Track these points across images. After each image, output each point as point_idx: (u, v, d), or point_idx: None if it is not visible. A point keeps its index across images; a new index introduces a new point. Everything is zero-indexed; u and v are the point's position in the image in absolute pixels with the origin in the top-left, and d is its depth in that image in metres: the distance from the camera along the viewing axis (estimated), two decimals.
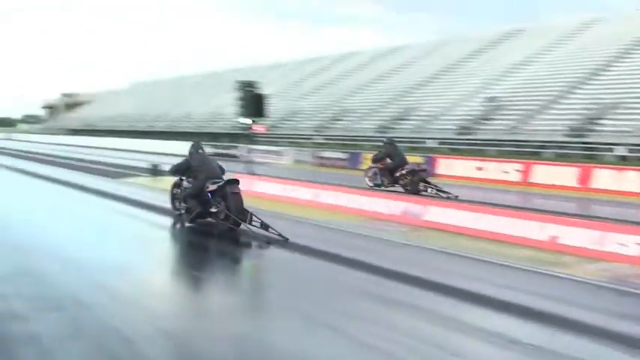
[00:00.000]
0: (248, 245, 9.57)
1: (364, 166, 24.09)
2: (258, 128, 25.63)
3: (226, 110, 52.03)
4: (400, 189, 16.18)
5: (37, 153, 33.55)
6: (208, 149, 36.95)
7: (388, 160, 16.83)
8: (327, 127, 41.81)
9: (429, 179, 16.32)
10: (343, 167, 27.23)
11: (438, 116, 35.76)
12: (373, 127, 38.06)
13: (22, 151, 34.53)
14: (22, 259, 7.96)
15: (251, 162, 23.56)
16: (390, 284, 7.23)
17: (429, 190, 15.72)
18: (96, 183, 17.63)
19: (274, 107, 39.91)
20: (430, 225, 11.11)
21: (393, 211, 12.02)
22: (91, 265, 7.76)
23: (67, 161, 26.16)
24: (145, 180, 19.08)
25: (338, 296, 6.83)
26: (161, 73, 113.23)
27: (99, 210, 13.15)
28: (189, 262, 8.90)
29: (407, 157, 17.27)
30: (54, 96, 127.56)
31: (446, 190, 15.36)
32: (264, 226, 9.67)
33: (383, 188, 16.34)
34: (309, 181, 15.68)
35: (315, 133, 40.96)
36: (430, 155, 25.02)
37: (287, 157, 31.30)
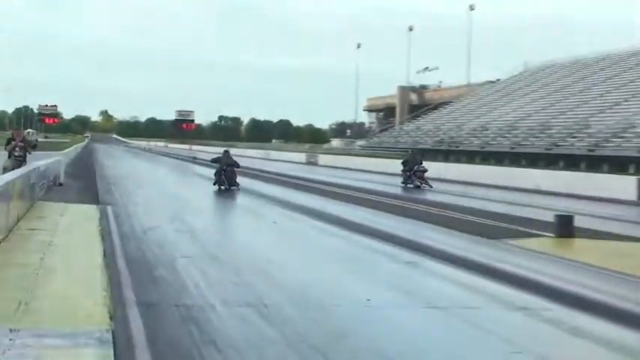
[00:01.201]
0: None
1: None
2: None
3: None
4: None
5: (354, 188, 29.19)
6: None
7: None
8: None
9: (424, 177, 31.81)
10: None
11: None
12: None
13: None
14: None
15: None
16: None
17: (422, 185, 31.30)
18: (466, 248, 13.39)
19: None
20: None
21: None
22: None
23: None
24: (547, 243, 14.15)
25: None
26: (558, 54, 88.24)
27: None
28: None
29: (418, 163, 32.61)
30: (388, 91, 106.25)
31: (430, 184, 31.18)
32: (239, 187, 27.06)
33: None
34: None
35: None
36: None
37: None
